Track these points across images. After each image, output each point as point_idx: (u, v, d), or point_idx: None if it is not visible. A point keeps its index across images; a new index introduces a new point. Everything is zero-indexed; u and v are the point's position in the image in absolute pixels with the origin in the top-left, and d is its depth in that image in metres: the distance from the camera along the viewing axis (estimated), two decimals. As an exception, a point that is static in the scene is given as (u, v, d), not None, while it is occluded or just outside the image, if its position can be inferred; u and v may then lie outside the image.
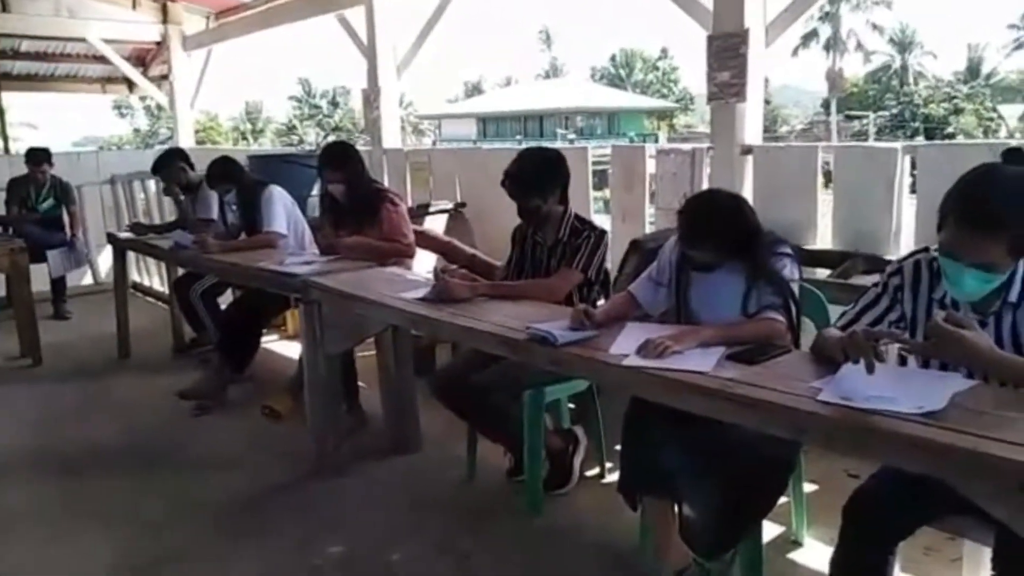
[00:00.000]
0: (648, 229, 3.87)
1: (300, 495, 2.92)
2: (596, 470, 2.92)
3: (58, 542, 2.68)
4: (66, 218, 6.17)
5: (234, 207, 4.15)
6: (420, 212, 4.45)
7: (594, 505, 2.70)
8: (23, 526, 2.81)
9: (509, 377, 2.47)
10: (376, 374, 3.31)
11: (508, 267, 2.84)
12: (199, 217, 4.51)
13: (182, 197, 4.62)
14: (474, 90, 50.54)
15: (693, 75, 46.15)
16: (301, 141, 39.14)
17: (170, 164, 4.57)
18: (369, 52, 5.74)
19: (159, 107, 34.52)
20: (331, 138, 36.44)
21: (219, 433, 3.60)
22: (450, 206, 4.64)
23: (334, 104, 45.40)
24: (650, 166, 3.89)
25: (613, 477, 2.75)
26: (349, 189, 3.48)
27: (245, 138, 42.22)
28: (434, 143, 35.97)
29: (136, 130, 46.06)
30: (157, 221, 6.01)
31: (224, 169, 4.02)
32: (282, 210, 3.98)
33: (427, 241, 3.95)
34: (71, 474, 3.24)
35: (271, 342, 4.71)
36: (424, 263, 3.80)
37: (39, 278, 5.91)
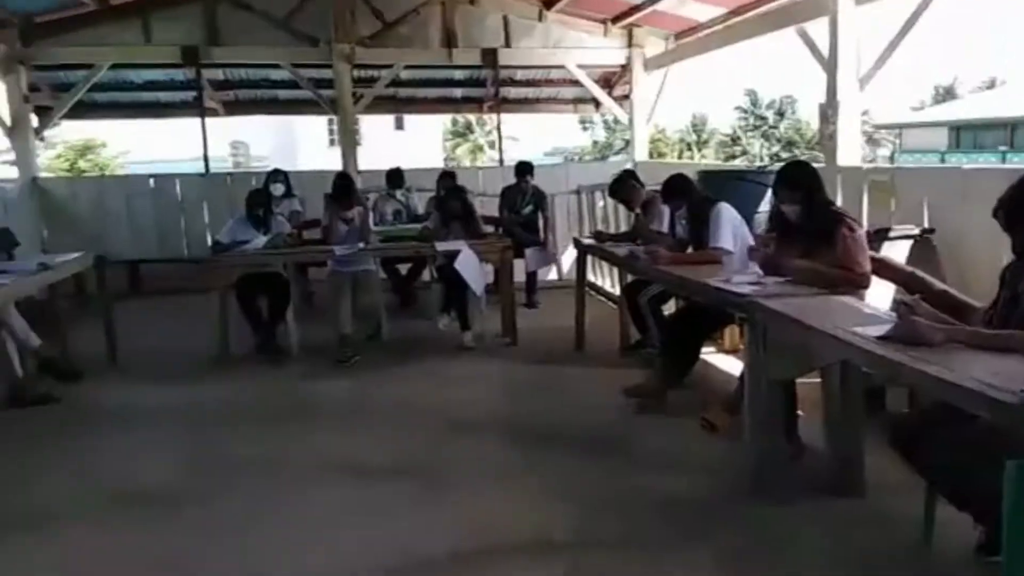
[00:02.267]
0: None
1: (730, 511, 2.99)
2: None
3: (515, 502, 3.17)
4: (541, 222, 7.23)
5: (684, 221, 4.40)
6: (878, 237, 4.14)
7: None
8: (484, 481, 3.39)
9: (988, 440, 2.19)
10: (815, 403, 3.22)
11: (991, 311, 2.51)
12: (651, 229, 4.89)
13: (637, 211, 5.07)
14: (946, 94, 44.27)
15: None
16: (744, 152, 38.90)
17: (624, 185, 5.06)
18: (830, 65, 5.51)
19: (616, 121, 37.87)
20: (776, 150, 35.53)
21: (657, 433, 3.87)
22: (915, 232, 4.23)
23: (780, 115, 44.14)
24: None
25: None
26: (804, 211, 3.43)
27: (690, 149, 43.58)
28: (892, 155, 32.54)
29: (595, 142, 50.96)
30: (613, 230, 6.65)
31: (678, 186, 4.30)
32: (729, 228, 4.10)
33: (886, 271, 3.67)
34: (524, 441, 3.81)
35: (709, 354, 4.88)
36: (880, 295, 3.55)
37: (517, 272, 7.04)
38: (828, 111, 5.51)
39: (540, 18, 8.81)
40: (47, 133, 9.50)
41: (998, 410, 1.86)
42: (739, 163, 25.89)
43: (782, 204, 3.51)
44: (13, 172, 8.45)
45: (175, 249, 8.38)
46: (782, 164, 4.14)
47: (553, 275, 7.90)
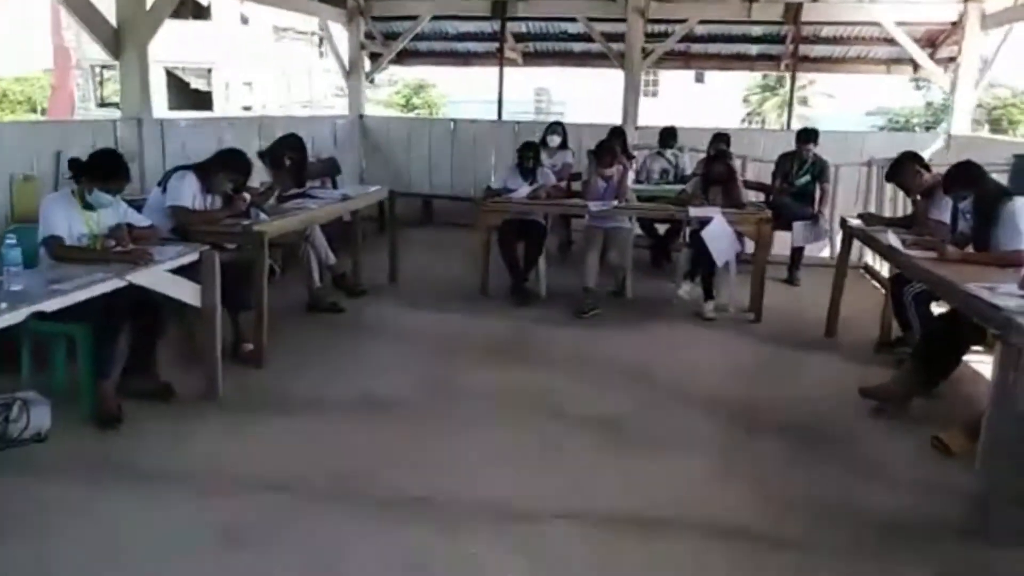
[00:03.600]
0: None
1: (952, 545, 2.69)
2: None
3: (716, 482, 3.15)
4: (817, 194, 6.71)
5: (967, 215, 3.84)
6: None
7: None
8: (687, 453, 3.38)
9: None
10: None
11: None
12: (932, 219, 4.33)
13: (917, 197, 4.51)
14: None
15: None
16: None
17: (903, 168, 4.49)
18: None
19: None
20: None
21: (888, 442, 3.54)
22: None
23: None
24: None
25: None
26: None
27: (1055, 114, 36.37)
28: None
29: (929, 103, 44.67)
30: (901, 212, 5.98)
31: (964, 175, 3.74)
32: (1030, 227, 3.50)
33: None
34: (738, 422, 3.71)
35: (978, 362, 4.26)
36: None
37: (783, 245, 6.68)
38: None
39: (858, -32, 7.97)
40: (383, 75, 10.84)
41: None
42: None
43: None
44: (345, 108, 9.84)
45: (465, 187, 9.19)
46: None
47: (827, 252, 7.32)
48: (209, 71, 25.34)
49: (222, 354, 3.86)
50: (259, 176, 4.94)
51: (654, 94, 28.36)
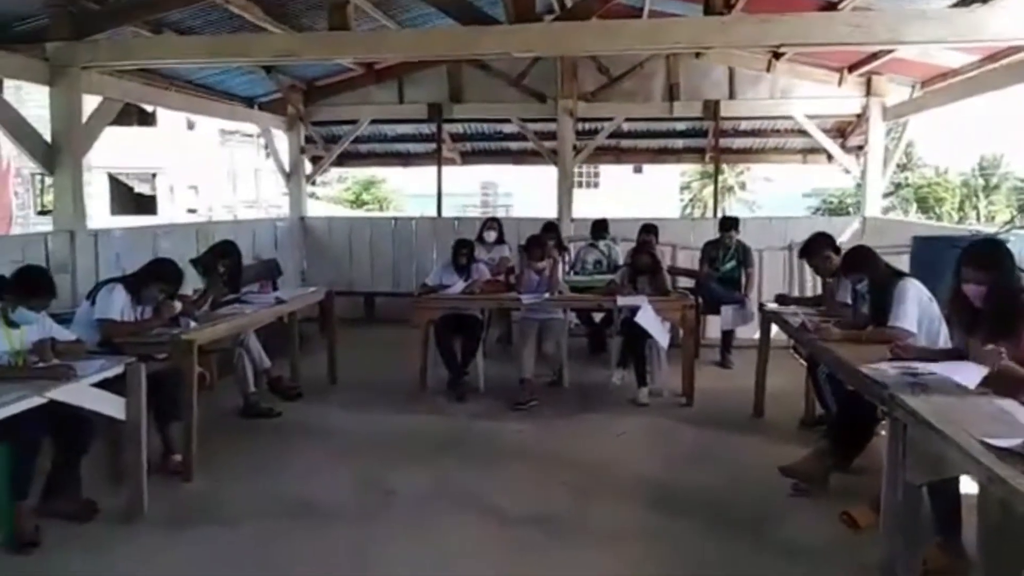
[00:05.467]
0: None
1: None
2: None
3: (632, 567, 3.20)
4: (743, 278, 7.01)
5: (865, 296, 4.09)
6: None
7: None
8: (608, 542, 3.44)
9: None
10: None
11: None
12: (838, 300, 4.59)
13: (829, 280, 4.79)
14: None
15: None
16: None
17: (814, 249, 4.78)
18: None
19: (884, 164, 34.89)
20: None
21: (805, 519, 3.65)
22: None
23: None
24: None
25: None
26: (990, 295, 3.06)
27: (976, 195, 38.67)
28: None
29: (858, 185, 46.83)
30: (810, 293, 6.28)
31: (858, 258, 4.02)
32: (914, 306, 3.75)
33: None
34: (664, 508, 3.80)
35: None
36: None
37: (717, 328, 6.92)
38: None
39: (768, 68, 8.58)
40: (332, 172, 11.03)
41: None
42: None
43: (964, 283, 3.16)
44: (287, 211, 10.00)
45: (408, 283, 9.29)
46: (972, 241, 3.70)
47: (758, 334, 7.55)
48: (154, 175, 25.45)
49: (151, 466, 3.81)
50: (195, 283, 4.99)
51: (595, 185, 29.39)
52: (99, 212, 23.25)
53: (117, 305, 4.15)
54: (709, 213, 29.91)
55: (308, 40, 6.00)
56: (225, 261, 5.24)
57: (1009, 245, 3.35)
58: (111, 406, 3.56)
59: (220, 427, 4.99)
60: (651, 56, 8.67)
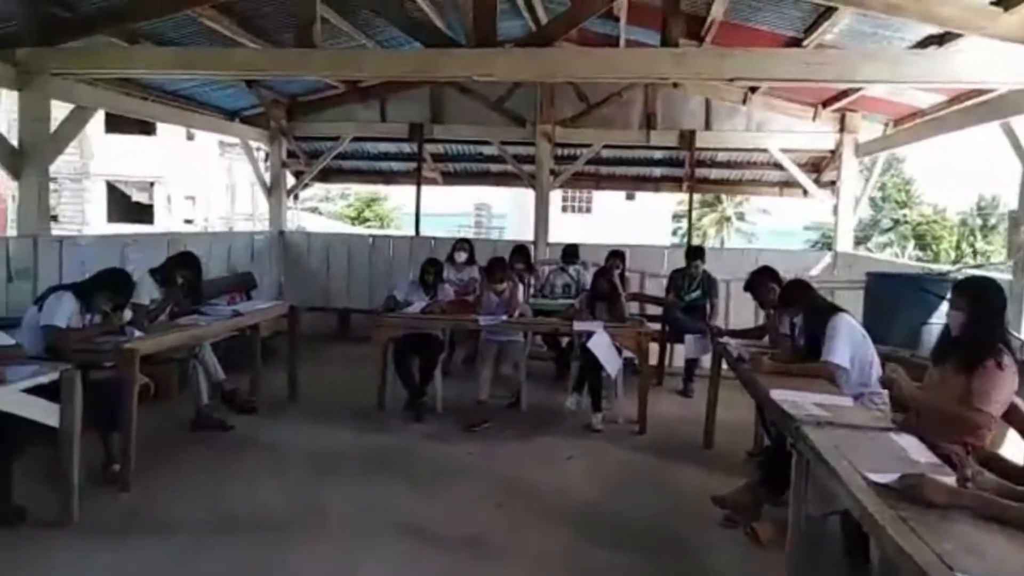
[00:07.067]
0: None
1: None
2: None
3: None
4: (708, 308, 7.05)
5: (800, 329, 4.13)
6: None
7: None
8: (533, 569, 3.45)
9: None
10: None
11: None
12: (779, 332, 4.63)
13: (771, 312, 4.82)
14: None
15: None
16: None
17: (758, 282, 4.83)
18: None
19: (884, 199, 35.13)
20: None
21: (731, 548, 3.68)
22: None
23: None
24: None
25: None
26: (968, 325, 3.07)
27: (973, 234, 38.85)
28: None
29: (860, 219, 46.76)
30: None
31: (793, 292, 4.07)
32: (846, 342, 3.79)
33: (1017, 418, 3.13)
34: (596, 536, 3.79)
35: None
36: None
37: (678, 357, 6.95)
38: (1022, 218, 4.84)
39: (744, 101, 8.68)
40: (336, 188, 10.99)
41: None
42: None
43: (949, 308, 3.17)
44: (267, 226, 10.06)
45: (382, 301, 9.31)
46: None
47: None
48: (152, 184, 25.56)
49: (91, 475, 3.82)
50: (153, 293, 5.04)
51: (587, 210, 29.48)
52: (98, 219, 23.39)
53: (64, 312, 4.18)
54: (710, 241, 30.10)
55: (273, 56, 6.09)
56: (184, 272, 5.25)
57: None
58: (42, 412, 3.58)
59: (170, 438, 5.01)
60: (630, 84, 8.78)
